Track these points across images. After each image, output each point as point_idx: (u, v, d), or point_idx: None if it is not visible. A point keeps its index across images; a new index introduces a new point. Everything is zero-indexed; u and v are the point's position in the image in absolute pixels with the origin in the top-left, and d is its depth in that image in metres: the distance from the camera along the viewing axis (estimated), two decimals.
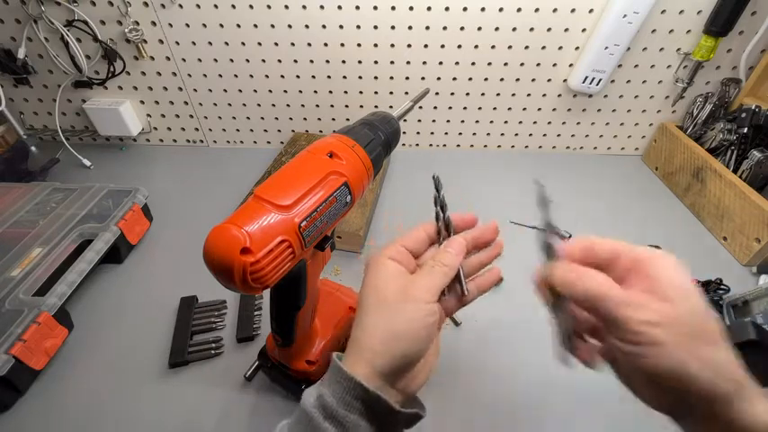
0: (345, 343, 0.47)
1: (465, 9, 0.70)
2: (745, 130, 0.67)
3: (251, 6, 0.71)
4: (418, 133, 0.88)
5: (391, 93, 0.82)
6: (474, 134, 0.88)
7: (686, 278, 0.25)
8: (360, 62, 0.78)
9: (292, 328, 0.39)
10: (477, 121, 0.86)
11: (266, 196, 0.31)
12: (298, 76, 0.80)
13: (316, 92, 0.82)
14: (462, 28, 0.72)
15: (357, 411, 0.26)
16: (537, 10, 0.70)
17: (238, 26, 0.74)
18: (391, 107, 0.84)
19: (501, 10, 0.70)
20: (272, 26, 0.74)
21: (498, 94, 0.81)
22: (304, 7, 0.71)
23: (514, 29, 0.72)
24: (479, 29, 0.72)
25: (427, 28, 0.73)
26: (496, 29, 0.72)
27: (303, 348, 0.42)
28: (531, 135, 0.87)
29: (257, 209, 0.30)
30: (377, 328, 0.28)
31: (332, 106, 0.85)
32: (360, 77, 0.80)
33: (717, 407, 0.22)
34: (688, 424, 0.24)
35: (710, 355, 0.22)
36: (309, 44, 0.76)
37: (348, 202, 0.36)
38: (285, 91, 0.83)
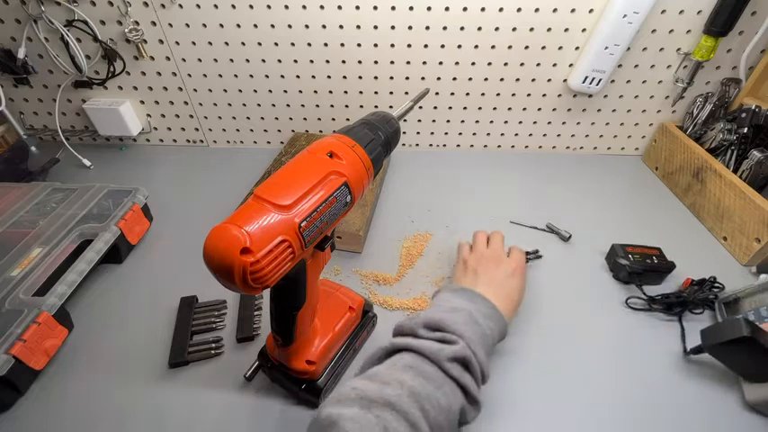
0: (345, 343, 0.47)
1: (465, 9, 0.70)
2: (745, 130, 0.67)
3: (251, 6, 0.71)
4: (418, 133, 0.88)
5: (391, 93, 0.82)
6: (474, 134, 0.88)
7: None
8: (360, 62, 0.78)
9: (292, 328, 0.39)
10: (477, 121, 0.86)
11: (266, 196, 0.31)
12: (298, 76, 0.80)
13: (316, 92, 0.82)
14: (462, 28, 0.72)
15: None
16: (537, 10, 0.70)
17: (238, 26, 0.74)
18: (391, 107, 0.83)
19: (501, 10, 0.70)
20: (272, 26, 0.74)
21: (498, 94, 0.81)
22: (304, 7, 0.71)
23: (514, 29, 0.72)
24: (479, 29, 0.72)
25: (427, 28, 0.73)
26: (496, 29, 0.72)
27: (303, 348, 0.42)
28: (530, 135, 0.87)
29: (257, 209, 0.30)
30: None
31: (332, 106, 0.85)
32: (360, 77, 0.80)
33: None
34: None
35: None
36: (309, 44, 0.76)
37: (348, 202, 0.36)
38: (285, 91, 0.83)
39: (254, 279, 0.29)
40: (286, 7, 0.71)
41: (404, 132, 0.87)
